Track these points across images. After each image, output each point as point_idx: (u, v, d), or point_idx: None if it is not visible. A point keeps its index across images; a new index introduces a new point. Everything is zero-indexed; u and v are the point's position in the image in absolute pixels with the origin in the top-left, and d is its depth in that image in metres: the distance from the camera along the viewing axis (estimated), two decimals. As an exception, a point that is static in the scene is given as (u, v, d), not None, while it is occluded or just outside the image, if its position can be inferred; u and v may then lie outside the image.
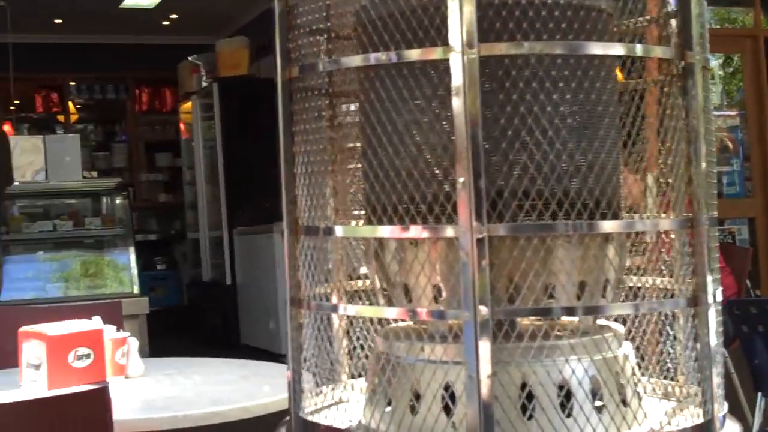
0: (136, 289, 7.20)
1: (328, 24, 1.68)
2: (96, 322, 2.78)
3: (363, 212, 1.60)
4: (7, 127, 10.82)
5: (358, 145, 1.62)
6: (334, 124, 1.70)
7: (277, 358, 4.88)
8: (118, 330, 2.92)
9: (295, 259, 1.48)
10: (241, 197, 8.46)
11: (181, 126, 10.08)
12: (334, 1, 1.65)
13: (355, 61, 1.53)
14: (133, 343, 2.94)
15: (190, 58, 9.17)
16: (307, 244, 1.51)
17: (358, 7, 1.56)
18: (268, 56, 9.56)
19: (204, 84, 8.94)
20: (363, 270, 1.67)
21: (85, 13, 10.13)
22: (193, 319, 9.25)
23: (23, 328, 2.65)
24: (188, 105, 9.60)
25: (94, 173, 8.99)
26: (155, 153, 11.42)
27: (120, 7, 9.59)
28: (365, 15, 1.51)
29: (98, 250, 7.46)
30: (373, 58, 1.46)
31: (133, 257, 7.28)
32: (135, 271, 7.26)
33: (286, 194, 1.52)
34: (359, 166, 1.61)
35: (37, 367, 2.57)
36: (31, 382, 2.59)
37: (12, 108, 10.99)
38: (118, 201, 7.56)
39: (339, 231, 1.53)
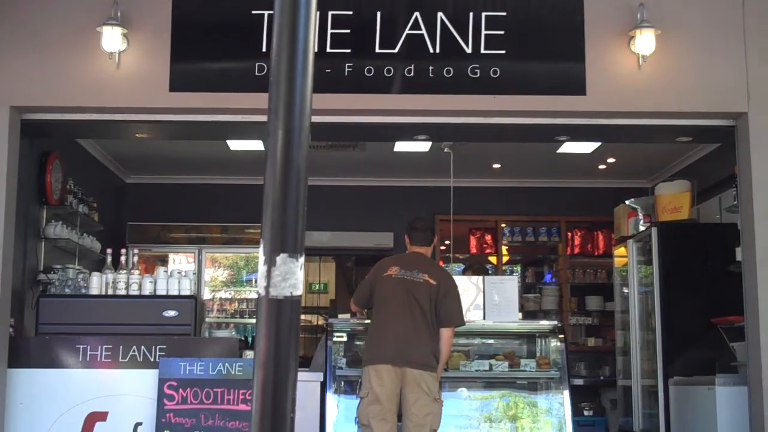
0: (570, 435, 7.11)
1: None
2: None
3: None
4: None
5: None
6: None
7: None
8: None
9: None
10: (678, 346, 8.14)
11: (614, 270, 10.00)
12: None
13: None
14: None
15: (627, 202, 9.12)
16: None
17: None
18: (707, 200, 9.29)
19: (641, 228, 8.81)
20: None
21: (522, 159, 10.50)
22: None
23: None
24: (622, 249, 9.52)
25: (519, 315, 9.12)
26: (584, 296, 11.42)
27: (557, 152, 9.82)
28: None
29: (530, 391, 7.47)
30: None
31: (567, 402, 7.21)
32: (569, 416, 7.17)
33: None
34: None
35: None
36: None
37: (443, 248, 11.55)
38: (553, 343, 7.55)
39: None
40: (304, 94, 1.25)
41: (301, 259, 1.23)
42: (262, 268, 1.23)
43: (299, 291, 1.22)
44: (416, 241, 6.95)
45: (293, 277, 1.21)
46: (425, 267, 6.81)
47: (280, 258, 1.21)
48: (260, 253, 1.24)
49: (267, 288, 1.21)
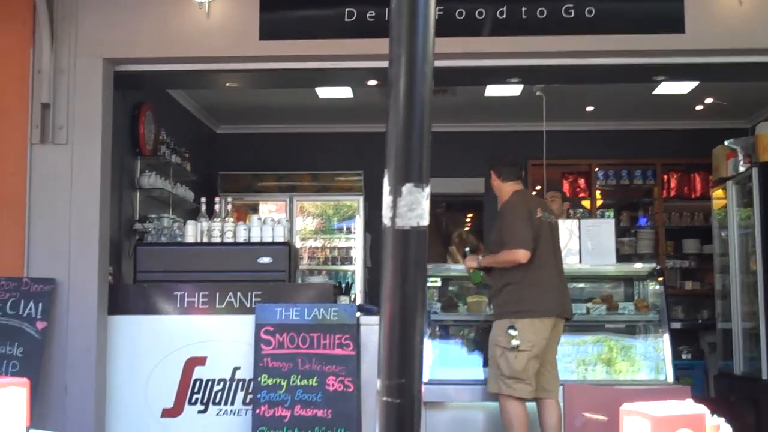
0: (670, 378, 6.99)
1: None
2: (694, 406, 2.63)
3: None
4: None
5: None
6: None
7: None
8: (712, 415, 2.74)
9: None
10: (781, 288, 7.94)
11: (712, 212, 9.76)
12: None
13: None
14: (726, 430, 2.74)
15: (726, 143, 8.85)
16: None
17: None
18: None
19: (741, 169, 8.56)
20: None
21: (617, 101, 10.28)
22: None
23: (625, 406, 2.57)
24: (720, 191, 9.28)
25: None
26: (681, 239, 11.22)
27: (653, 93, 9.58)
28: None
29: (626, 335, 7.36)
30: None
31: (667, 345, 7.07)
32: (669, 359, 7.05)
33: None
34: None
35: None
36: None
37: (534, 192, 11.39)
38: (651, 287, 7.42)
39: None
40: (428, 18, 1.20)
41: (427, 189, 1.19)
42: (387, 198, 1.19)
43: (426, 221, 1.19)
44: (516, 176, 6.54)
45: (420, 207, 1.18)
46: (548, 207, 6.71)
47: (406, 188, 1.18)
48: (384, 184, 1.20)
49: (393, 219, 1.17)
